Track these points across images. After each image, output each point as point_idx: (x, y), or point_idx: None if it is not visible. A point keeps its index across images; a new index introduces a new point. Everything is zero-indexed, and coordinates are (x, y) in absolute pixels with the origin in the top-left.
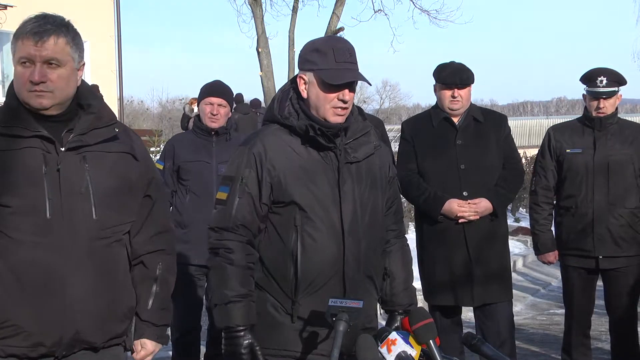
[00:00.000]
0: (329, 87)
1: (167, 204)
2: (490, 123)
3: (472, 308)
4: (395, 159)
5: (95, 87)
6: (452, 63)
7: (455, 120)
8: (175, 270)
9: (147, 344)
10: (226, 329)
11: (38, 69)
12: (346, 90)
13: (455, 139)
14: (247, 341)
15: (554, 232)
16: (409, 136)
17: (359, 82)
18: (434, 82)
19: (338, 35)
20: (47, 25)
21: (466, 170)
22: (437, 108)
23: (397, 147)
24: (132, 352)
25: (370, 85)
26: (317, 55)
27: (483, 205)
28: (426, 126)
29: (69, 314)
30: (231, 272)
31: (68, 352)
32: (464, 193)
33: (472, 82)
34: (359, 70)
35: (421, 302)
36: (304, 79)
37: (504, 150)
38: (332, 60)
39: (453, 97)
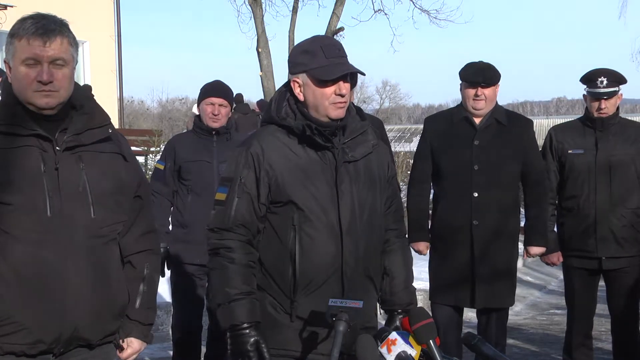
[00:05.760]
0: (324, 83)
1: (152, 205)
2: (513, 127)
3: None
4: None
5: (88, 88)
6: (479, 62)
7: (477, 120)
8: (159, 270)
9: (134, 342)
10: (231, 328)
11: (46, 69)
12: (342, 83)
13: (473, 139)
14: (253, 338)
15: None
16: (428, 133)
17: (358, 83)
18: (459, 81)
19: (337, 34)
20: (51, 25)
21: (479, 171)
22: (460, 107)
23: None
24: (118, 349)
25: (364, 75)
26: (307, 56)
27: (535, 251)
28: (446, 124)
29: (69, 311)
30: (233, 270)
31: (66, 349)
32: (474, 194)
33: (497, 81)
34: (350, 63)
35: (424, 300)
36: (298, 83)
37: (524, 156)
38: (322, 57)
39: (476, 95)
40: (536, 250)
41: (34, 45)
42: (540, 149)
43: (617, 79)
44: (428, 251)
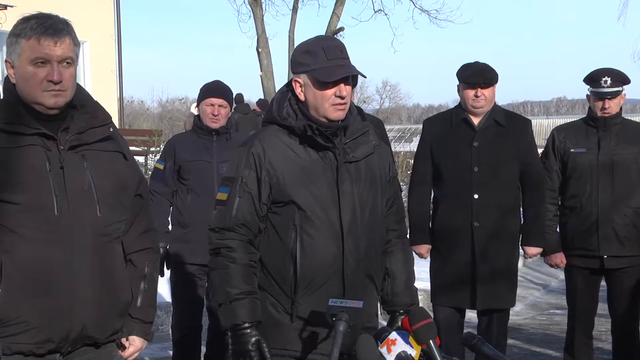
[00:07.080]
0: (324, 85)
1: (151, 203)
2: (512, 127)
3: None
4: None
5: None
6: (476, 63)
7: (476, 121)
8: (158, 268)
9: (136, 340)
10: (232, 328)
11: (56, 69)
12: (342, 85)
13: (472, 140)
14: (254, 338)
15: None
16: (427, 135)
17: (358, 84)
18: (457, 82)
19: (337, 34)
20: (59, 25)
21: (479, 172)
22: (459, 108)
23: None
24: (120, 347)
25: (365, 77)
26: (309, 57)
27: (532, 252)
28: (445, 126)
29: (77, 309)
30: (234, 270)
31: (73, 347)
32: (474, 196)
33: (496, 82)
34: (352, 65)
35: (425, 301)
36: (299, 82)
37: (523, 157)
38: (323, 58)
39: (476, 95)
40: (533, 250)
41: (45, 45)
42: (539, 149)
43: (620, 78)
44: (429, 254)
